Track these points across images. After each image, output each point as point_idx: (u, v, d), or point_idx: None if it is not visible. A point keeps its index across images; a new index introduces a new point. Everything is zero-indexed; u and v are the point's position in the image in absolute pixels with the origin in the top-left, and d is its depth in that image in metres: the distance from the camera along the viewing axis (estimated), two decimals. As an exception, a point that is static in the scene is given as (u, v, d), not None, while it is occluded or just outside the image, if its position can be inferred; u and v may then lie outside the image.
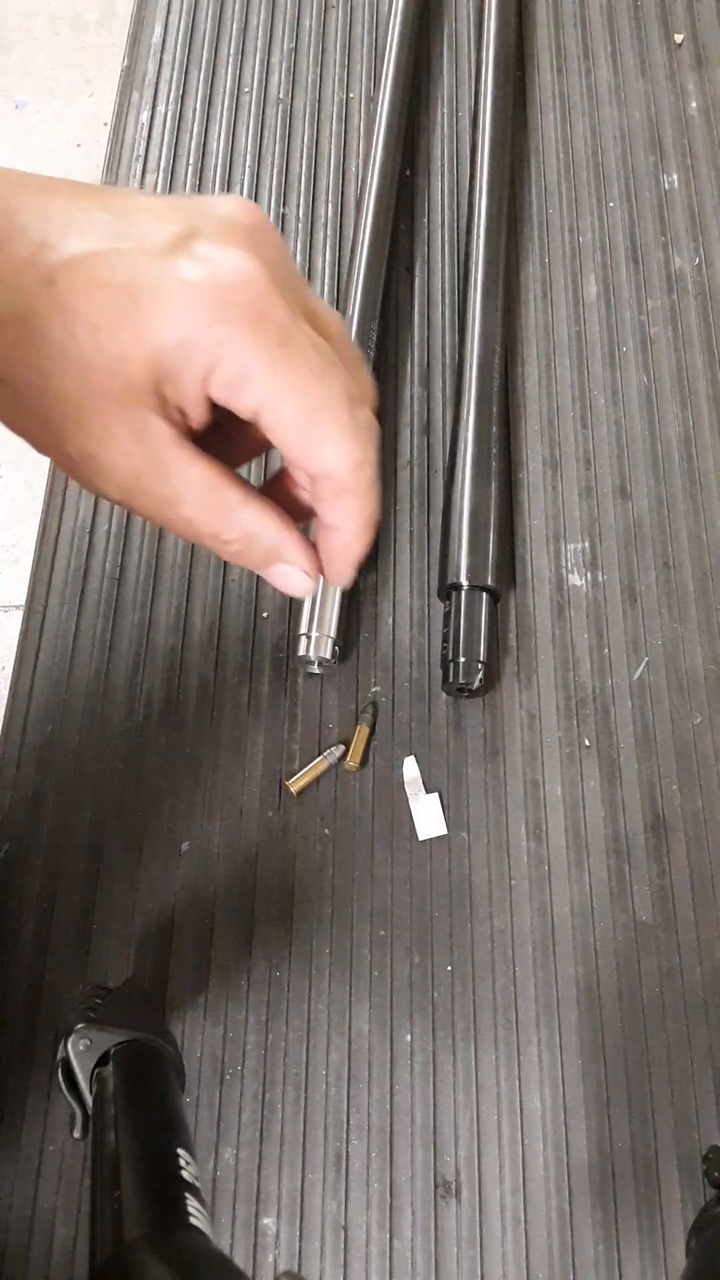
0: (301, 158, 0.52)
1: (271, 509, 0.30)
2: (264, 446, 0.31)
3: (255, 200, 0.51)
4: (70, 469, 0.29)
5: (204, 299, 0.26)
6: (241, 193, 0.51)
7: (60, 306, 0.25)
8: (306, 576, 0.32)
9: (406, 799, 0.38)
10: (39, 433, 0.28)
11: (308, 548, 0.32)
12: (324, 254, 0.49)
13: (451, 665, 0.38)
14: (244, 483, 0.30)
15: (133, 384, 0.26)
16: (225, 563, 0.42)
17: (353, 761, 0.38)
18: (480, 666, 0.38)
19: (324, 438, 0.28)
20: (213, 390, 0.27)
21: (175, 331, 0.26)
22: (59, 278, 0.25)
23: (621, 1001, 0.36)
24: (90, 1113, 0.29)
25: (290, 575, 0.32)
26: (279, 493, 0.33)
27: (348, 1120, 0.34)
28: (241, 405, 0.28)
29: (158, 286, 0.26)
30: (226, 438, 0.32)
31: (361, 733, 0.39)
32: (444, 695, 0.40)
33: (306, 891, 0.37)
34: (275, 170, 0.51)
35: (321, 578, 0.38)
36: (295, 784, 0.38)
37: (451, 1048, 0.35)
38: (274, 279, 0.27)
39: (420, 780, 0.38)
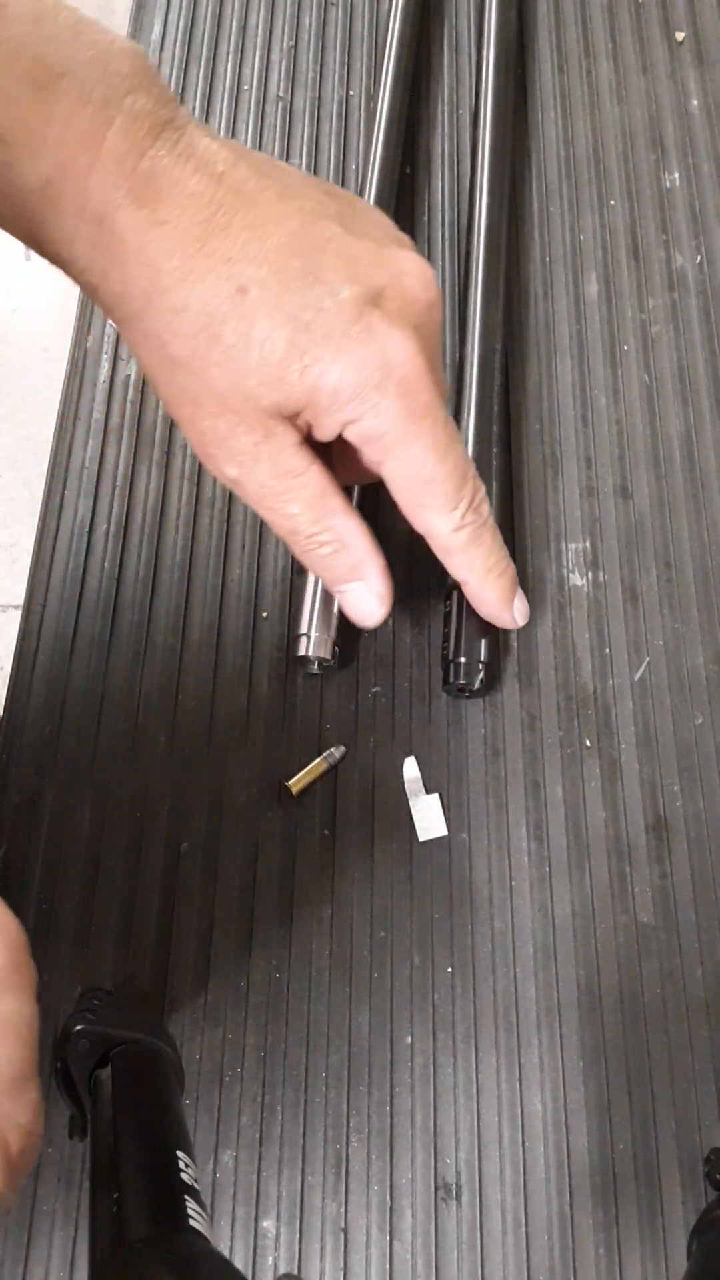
0: (301, 155, 0.52)
1: (367, 528, 0.33)
2: (370, 480, 0.33)
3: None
4: (196, 441, 0.31)
5: (369, 363, 0.28)
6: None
7: (243, 315, 0.28)
8: (379, 603, 0.34)
9: (406, 799, 0.38)
10: (181, 404, 0.30)
11: (388, 577, 0.34)
12: (324, 252, 0.49)
13: (452, 665, 0.38)
14: (348, 498, 0.32)
15: (281, 405, 0.29)
16: (225, 563, 0.42)
17: (296, 786, 0.38)
18: (481, 667, 0.38)
19: (427, 506, 0.32)
20: (348, 433, 0.30)
21: (335, 379, 0.28)
22: (252, 291, 0.28)
23: (623, 1003, 0.35)
24: (89, 1115, 0.29)
25: (364, 599, 0.34)
26: None
27: (347, 1122, 0.34)
28: (369, 453, 0.31)
29: (333, 337, 0.28)
30: (340, 457, 0.34)
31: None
32: (444, 695, 0.40)
33: (306, 892, 0.37)
34: (275, 168, 0.51)
35: (320, 583, 0.38)
36: (295, 784, 0.38)
37: (452, 1049, 0.35)
38: (431, 362, 0.30)
39: (420, 780, 0.38)
